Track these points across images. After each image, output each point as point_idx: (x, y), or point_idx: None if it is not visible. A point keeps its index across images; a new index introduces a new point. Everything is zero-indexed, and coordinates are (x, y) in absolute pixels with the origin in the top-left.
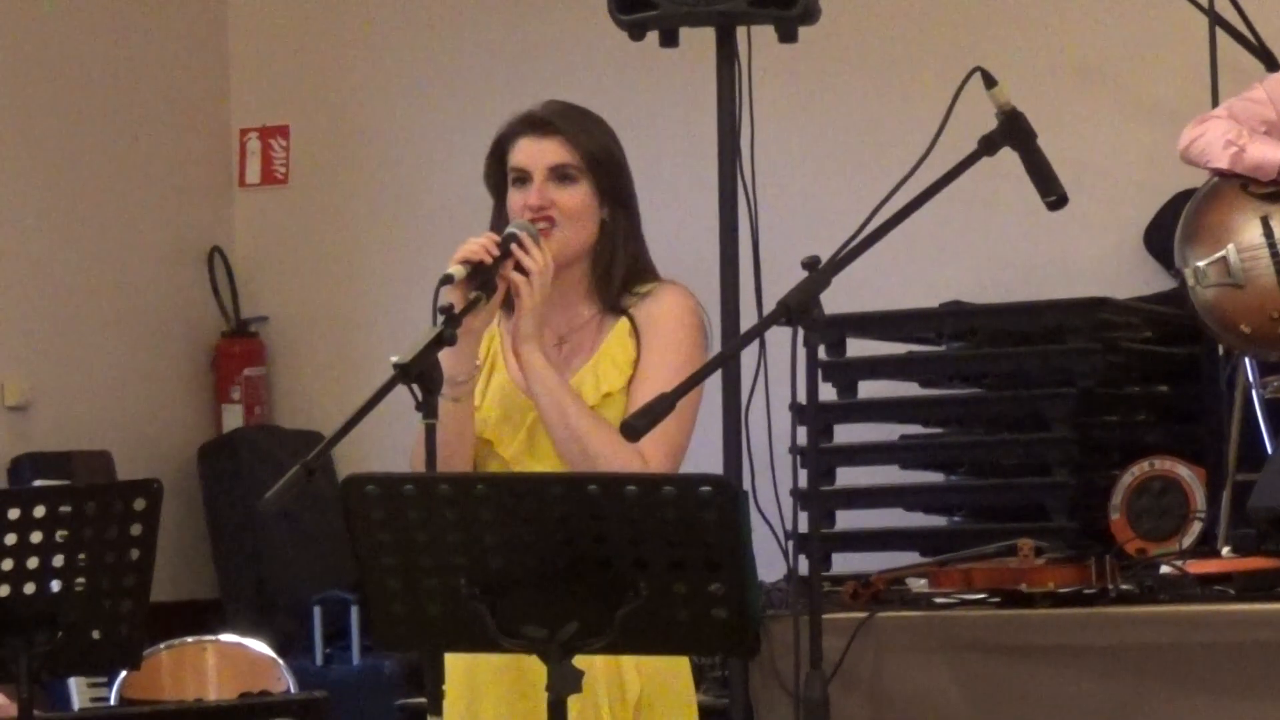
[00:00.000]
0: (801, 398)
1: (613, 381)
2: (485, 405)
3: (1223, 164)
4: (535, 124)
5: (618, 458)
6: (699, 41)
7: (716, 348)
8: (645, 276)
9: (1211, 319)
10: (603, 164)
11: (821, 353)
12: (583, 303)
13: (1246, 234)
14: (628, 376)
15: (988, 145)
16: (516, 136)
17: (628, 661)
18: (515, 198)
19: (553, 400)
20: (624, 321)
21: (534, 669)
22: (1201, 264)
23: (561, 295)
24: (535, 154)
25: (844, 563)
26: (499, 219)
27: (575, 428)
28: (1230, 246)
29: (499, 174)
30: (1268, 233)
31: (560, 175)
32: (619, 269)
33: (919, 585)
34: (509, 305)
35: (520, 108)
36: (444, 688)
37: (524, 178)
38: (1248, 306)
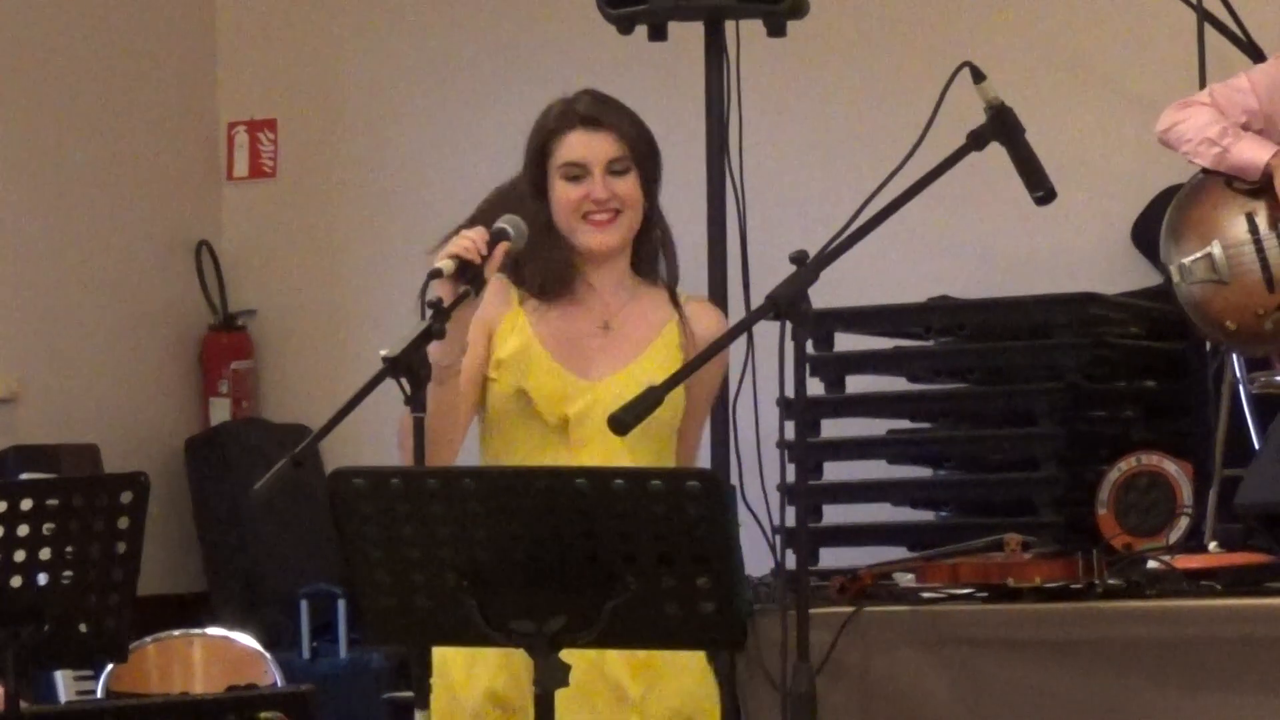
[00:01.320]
0: (789, 392)
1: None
2: (537, 388)
3: (1205, 163)
4: (586, 119)
5: None
6: (687, 35)
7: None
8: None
9: (1197, 315)
10: (648, 154)
11: (809, 347)
12: (625, 286)
13: (1232, 230)
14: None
15: (976, 140)
16: (565, 130)
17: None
18: (570, 191)
19: None
20: (673, 327)
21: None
22: (1186, 260)
23: (606, 281)
24: (592, 148)
25: (831, 557)
26: (539, 210)
27: None
28: (1215, 243)
29: (541, 167)
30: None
31: (615, 168)
32: (656, 252)
33: (906, 580)
34: (537, 299)
35: (512, 96)
36: (431, 681)
37: (581, 172)
38: (1232, 303)
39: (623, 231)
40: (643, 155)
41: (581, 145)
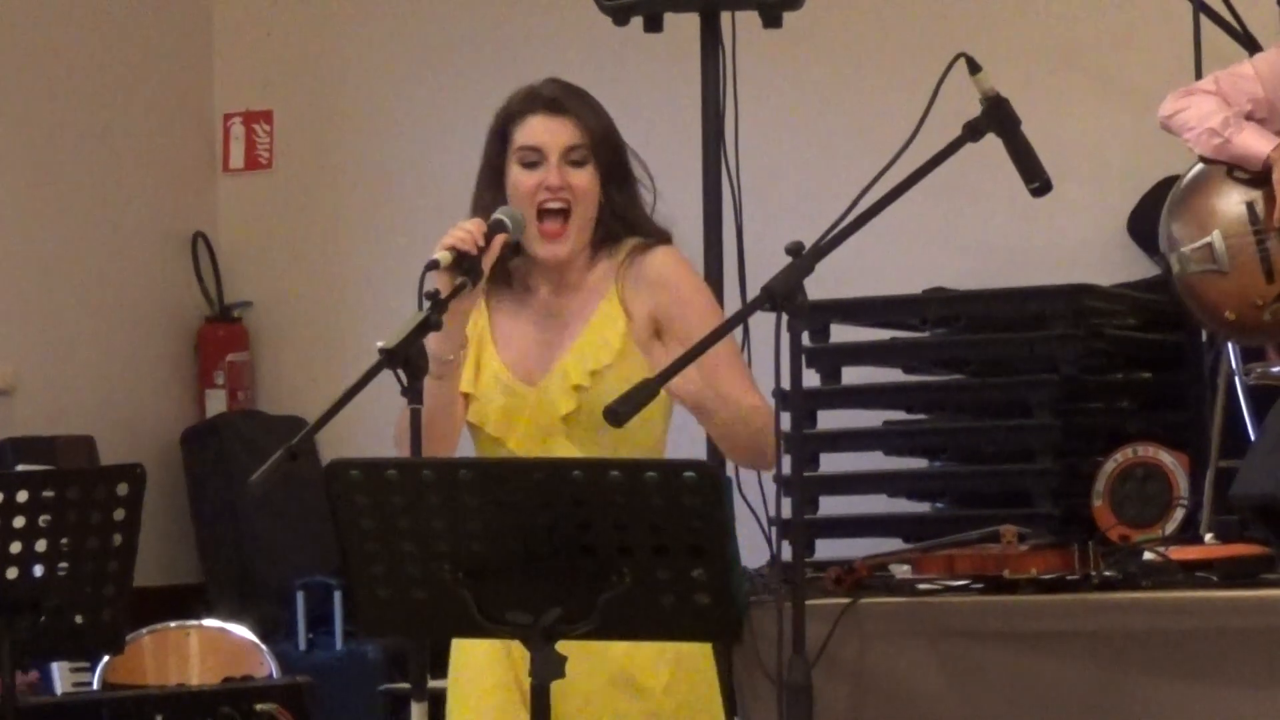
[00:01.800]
0: (785, 384)
1: (599, 358)
2: (482, 396)
3: (1206, 152)
4: (547, 103)
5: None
6: (683, 27)
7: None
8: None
9: (1195, 305)
10: (608, 145)
11: (805, 339)
12: (573, 278)
13: (1232, 219)
14: (617, 350)
15: (972, 131)
16: (526, 114)
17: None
18: (526, 177)
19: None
20: (611, 298)
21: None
22: (1186, 249)
23: (556, 277)
24: (551, 134)
25: (827, 549)
26: (495, 198)
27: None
28: (1215, 232)
29: (500, 152)
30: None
31: (573, 157)
32: (617, 228)
33: (902, 571)
34: (496, 284)
35: (508, 87)
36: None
37: (538, 158)
38: (1231, 292)
39: (572, 240)
40: (602, 148)
41: (541, 130)
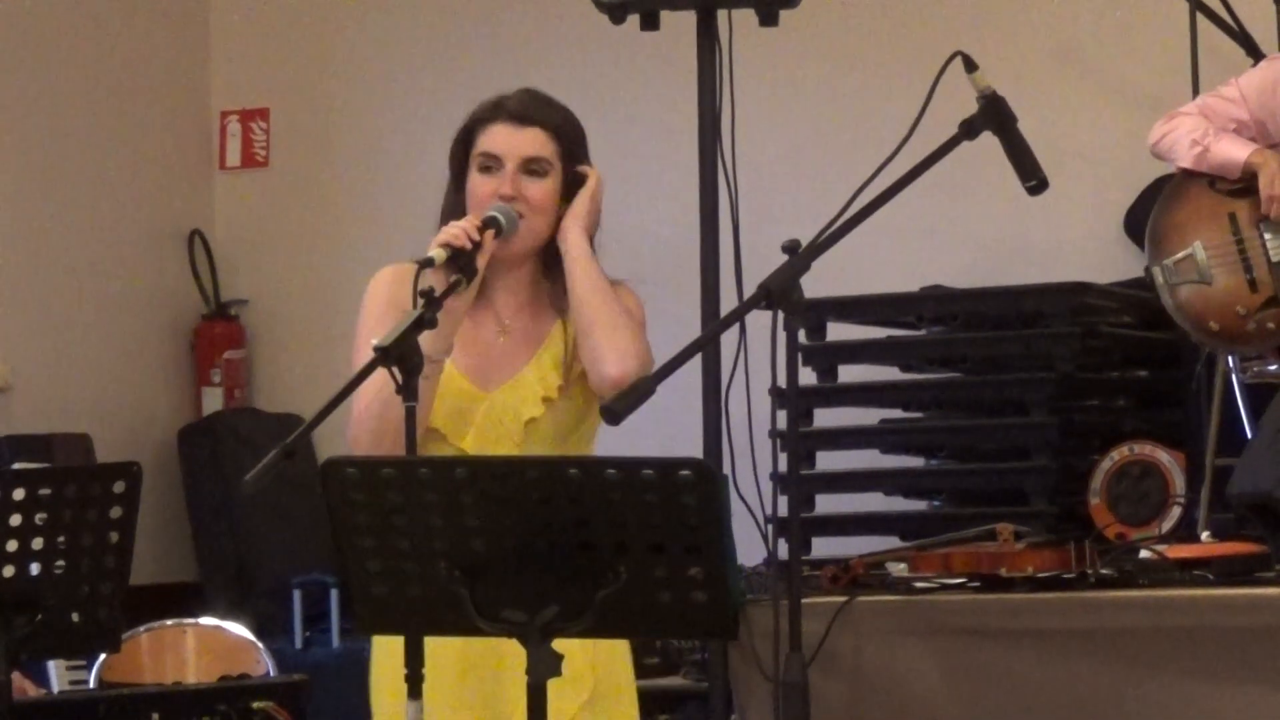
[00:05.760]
0: (782, 382)
1: (550, 385)
2: (443, 396)
3: (1187, 164)
4: (513, 113)
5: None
6: (680, 25)
7: (689, 336)
8: None
9: (1180, 317)
10: (572, 160)
11: (802, 336)
12: (530, 294)
13: (1214, 230)
14: (563, 376)
15: (968, 129)
16: (490, 122)
17: (580, 659)
18: (483, 183)
19: (592, 286)
20: (558, 332)
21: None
22: (1169, 261)
23: (511, 286)
24: (511, 143)
25: (824, 547)
26: (456, 202)
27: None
28: (1197, 244)
29: (463, 156)
30: (1235, 229)
31: (532, 168)
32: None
33: (898, 569)
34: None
35: (505, 86)
36: (424, 670)
37: (495, 165)
38: (1215, 303)
39: (523, 236)
40: (568, 163)
41: (501, 138)
